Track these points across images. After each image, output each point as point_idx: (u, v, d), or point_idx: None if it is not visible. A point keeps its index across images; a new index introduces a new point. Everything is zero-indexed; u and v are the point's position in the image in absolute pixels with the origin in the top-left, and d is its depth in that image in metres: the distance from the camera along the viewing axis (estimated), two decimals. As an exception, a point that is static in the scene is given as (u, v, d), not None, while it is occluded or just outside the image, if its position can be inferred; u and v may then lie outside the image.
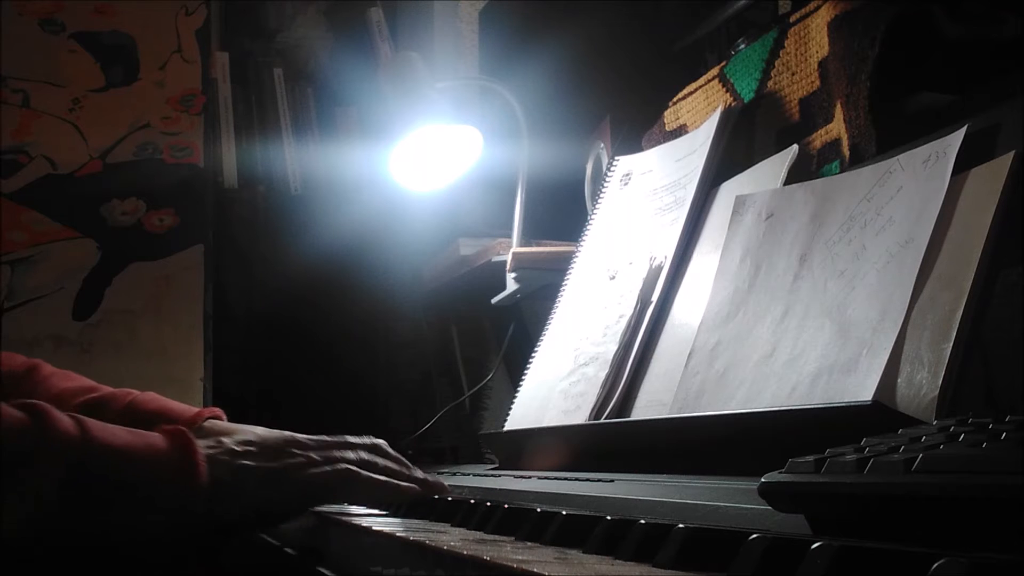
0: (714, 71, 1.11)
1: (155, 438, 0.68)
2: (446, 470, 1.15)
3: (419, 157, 1.61)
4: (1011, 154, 0.67)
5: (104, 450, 0.65)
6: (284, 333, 1.89)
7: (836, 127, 0.92)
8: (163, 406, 0.93)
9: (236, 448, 0.71)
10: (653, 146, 1.19)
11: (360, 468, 0.73)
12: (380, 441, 0.79)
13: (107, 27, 1.84)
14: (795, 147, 0.94)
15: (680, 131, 1.16)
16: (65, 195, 1.77)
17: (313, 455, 0.73)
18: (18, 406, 0.64)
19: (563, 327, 1.15)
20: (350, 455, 0.75)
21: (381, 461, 0.75)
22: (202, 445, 0.69)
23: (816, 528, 0.43)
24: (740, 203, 0.93)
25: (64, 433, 0.63)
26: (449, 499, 0.71)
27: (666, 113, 1.20)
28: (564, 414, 1.04)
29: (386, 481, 0.72)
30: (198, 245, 1.79)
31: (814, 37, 0.96)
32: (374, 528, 0.55)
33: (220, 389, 1.73)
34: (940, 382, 0.63)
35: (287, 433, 0.75)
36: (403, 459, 0.79)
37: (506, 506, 0.55)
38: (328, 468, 0.72)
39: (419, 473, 0.78)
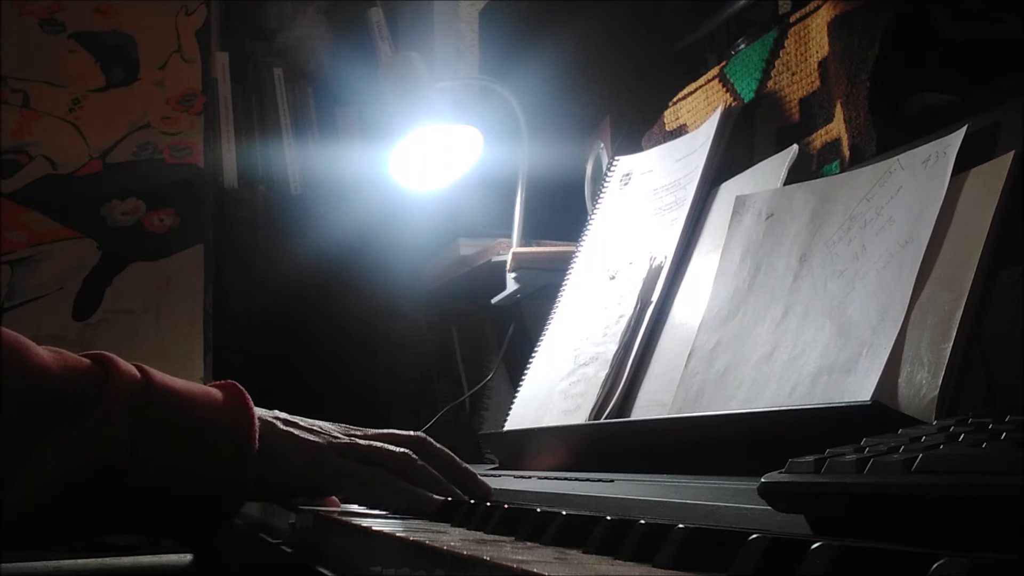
0: (714, 71, 1.11)
1: (210, 389, 0.71)
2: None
3: (419, 157, 1.61)
4: (1011, 154, 0.67)
5: (165, 393, 0.68)
6: (284, 333, 1.89)
7: (836, 127, 0.92)
8: None
9: (286, 418, 0.74)
10: (653, 146, 1.19)
11: (397, 469, 0.73)
12: (423, 436, 0.78)
13: (107, 27, 1.84)
14: (795, 147, 0.94)
15: (680, 131, 1.16)
16: (65, 195, 1.77)
17: (358, 443, 0.74)
18: (85, 355, 0.68)
19: (563, 327, 1.15)
20: (391, 452, 0.75)
21: (419, 463, 0.74)
22: (255, 407, 0.71)
23: (816, 528, 0.43)
24: (740, 203, 0.93)
25: (128, 375, 0.67)
26: (448, 499, 0.71)
27: (666, 113, 1.20)
28: (564, 414, 1.05)
29: (414, 493, 0.72)
30: (198, 245, 1.79)
31: (814, 37, 0.96)
32: (374, 528, 0.55)
33: (220, 389, 1.73)
34: (940, 382, 0.63)
35: (327, 423, 0.77)
36: (448, 455, 0.78)
37: (506, 506, 0.55)
38: (363, 466, 0.72)
39: (463, 470, 0.77)
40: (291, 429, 0.72)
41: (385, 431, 0.79)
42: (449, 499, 0.71)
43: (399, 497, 0.71)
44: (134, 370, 0.68)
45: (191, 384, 0.71)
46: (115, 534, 0.72)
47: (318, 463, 0.72)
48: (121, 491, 0.65)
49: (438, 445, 0.78)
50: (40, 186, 1.76)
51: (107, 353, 0.68)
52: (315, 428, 0.75)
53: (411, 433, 0.78)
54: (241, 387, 0.72)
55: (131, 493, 0.66)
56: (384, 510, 0.75)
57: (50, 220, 1.76)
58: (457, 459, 0.78)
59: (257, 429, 0.70)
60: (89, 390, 0.65)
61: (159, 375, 0.69)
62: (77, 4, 1.82)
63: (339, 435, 0.75)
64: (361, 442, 0.75)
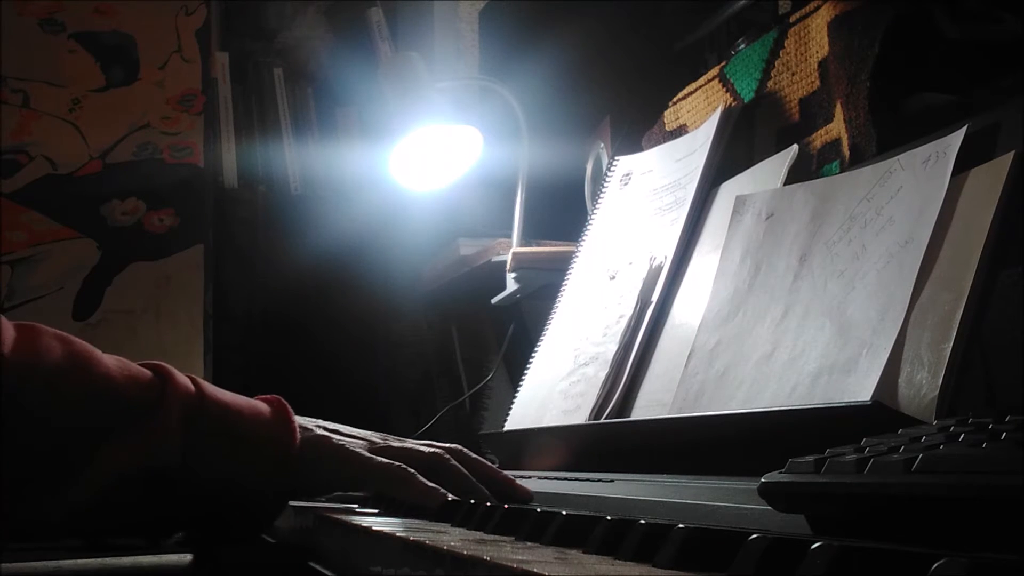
0: (714, 71, 1.11)
1: (257, 402, 0.76)
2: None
3: (419, 157, 1.61)
4: (1011, 154, 0.67)
5: (216, 405, 0.72)
6: (284, 333, 1.89)
7: (836, 127, 0.92)
8: None
9: (326, 426, 0.79)
10: (653, 146, 1.19)
11: (426, 467, 0.76)
12: (459, 447, 0.81)
13: (107, 27, 1.84)
14: (795, 147, 0.94)
15: (680, 131, 1.16)
16: (65, 195, 1.77)
17: (391, 444, 0.79)
18: (144, 365, 0.72)
19: (563, 327, 1.15)
20: (421, 451, 0.78)
21: (454, 466, 0.77)
22: (296, 418, 0.76)
23: (816, 528, 0.43)
24: (740, 203, 0.93)
25: (183, 388, 0.71)
26: (448, 499, 0.71)
27: (666, 113, 1.20)
28: (564, 414, 1.05)
29: (428, 487, 0.74)
30: (198, 245, 1.79)
31: (814, 37, 0.96)
32: (374, 528, 0.55)
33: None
34: (940, 382, 0.63)
35: (370, 431, 0.82)
36: (484, 462, 0.80)
37: (506, 506, 0.55)
38: (387, 461, 0.76)
39: (501, 476, 0.79)
40: (328, 437, 0.77)
41: (425, 442, 0.82)
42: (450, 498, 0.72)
43: (410, 490, 0.74)
44: (189, 383, 0.72)
45: (239, 397, 0.75)
46: (169, 533, 0.77)
47: (350, 463, 0.75)
48: (172, 495, 0.70)
49: (474, 455, 0.81)
50: (40, 186, 1.76)
51: (165, 364, 0.73)
52: (354, 435, 0.79)
53: (449, 445, 0.81)
54: (284, 401, 0.77)
55: (181, 497, 0.70)
56: (388, 505, 0.76)
57: (50, 220, 1.76)
58: (493, 467, 0.81)
59: (298, 440, 0.74)
60: (148, 400, 0.69)
61: (210, 388, 0.73)
62: (77, 4, 1.82)
63: (376, 440, 0.80)
64: (395, 444, 0.79)
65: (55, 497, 0.66)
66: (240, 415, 0.73)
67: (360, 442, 0.78)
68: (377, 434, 0.81)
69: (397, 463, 0.75)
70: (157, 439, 0.68)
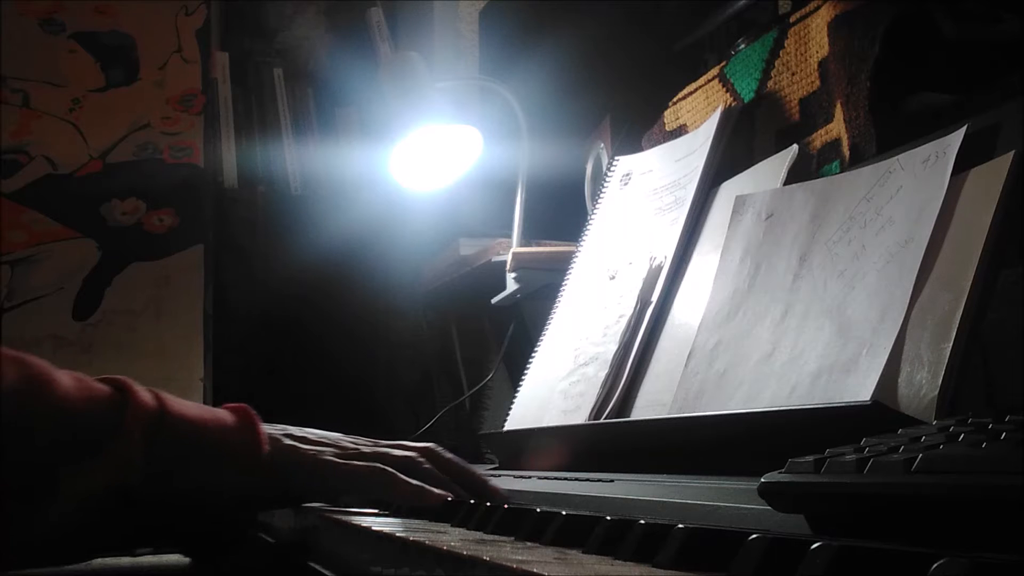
0: (714, 71, 1.11)
1: (222, 413, 0.74)
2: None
3: (419, 157, 1.61)
4: (1011, 154, 0.67)
5: (179, 420, 0.70)
6: (284, 333, 1.89)
7: (836, 127, 0.92)
8: None
9: (293, 434, 0.76)
10: (653, 146, 1.19)
11: (400, 470, 0.75)
12: (432, 445, 0.80)
13: (107, 27, 1.84)
14: (795, 147, 0.94)
15: (680, 131, 1.16)
16: (65, 195, 1.77)
17: (362, 449, 0.77)
18: (104, 380, 0.70)
19: (563, 327, 1.15)
20: (394, 454, 0.77)
21: (426, 465, 0.77)
22: (264, 427, 0.74)
23: (816, 528, 0.43)
24: (740, 203, 0.93)
25: (145, 404, 0.69)
26: (449, 499, 0.71)
27: (666, 113, 1.20)
28: (564, 414, 1.05)
29: (417, 486, 0.73)
30: (198, 245, 1.79)
31: (814, 37, 0.96)
32: (374, 528, 0.55)
33: (220, 389, 1.73)
34: (940, 382, 0.63)
35: (338, 434, 0.80)
36: (458, 462, 0.79)
37: (506, 506, 0.55)
38: (365, 464, 0.75)
39: (475, 476, 0.78)
40: (297, 444, 0.75)
41: (396, 442, 0.80)
42: (451, 499, 0.71)
43: (397, 491, 0.73)
44: (150, 398, 0.70)
45: (205, 409, 0.74)
46: (137, 549, 0.76)
47: (322, 470, 0.74)
48: (139, 513, 0.68)
49: (448, 454, 0.80)
50: (40, 186, 1.76)
51: (124, 379, 0.71)
52: (323, 440, 0.77)
53: (421, 444, 0.80)
54: (251, 409, 0.75)
55: (148, 515, 0.69)
56: (385, 507, 0.76)
57: (50, 220, 1.76)
58: (468, 466, 0.80)
59: (266, 448, 0.72)
60: (109, 420, 0.68)
61: (173, 402, 0.71)
62: (77, 4, 1.82)
63: (347, 444, 0.78)
64: (365, 448, 0.77)
65: (21, 524, 0.65)
66: (205, 428, 0.71)
67: (331, 449, 0.76)
68: (347, 437, 0.79)
69: (374, 465, 0.74)
70: (120, 460, 0.67)
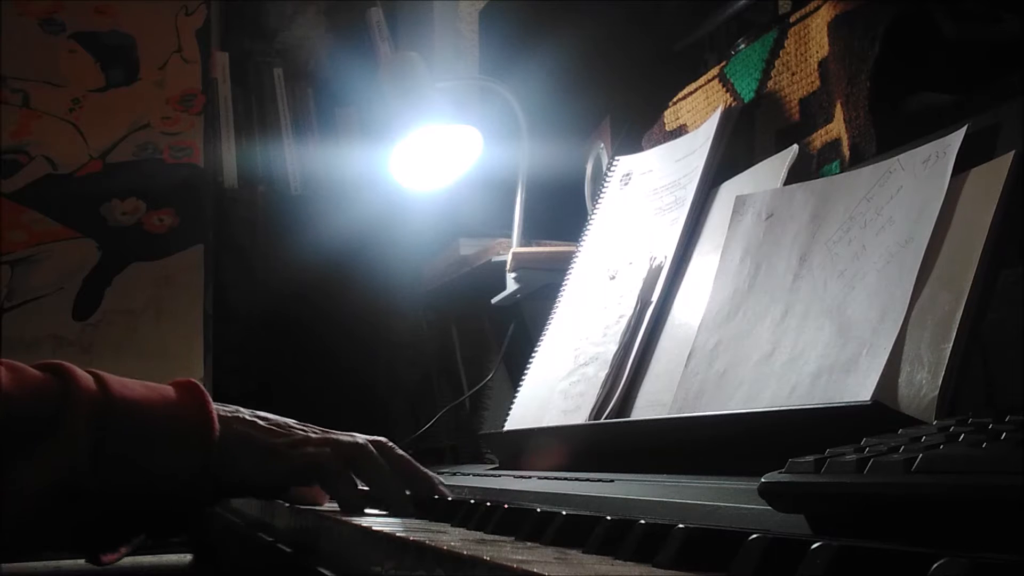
0: (714, 71, 1.11)
1: (167, 390, 0.71)
2: (446, 470, 1.15)
3: (419, 157, 1.61)
4: (1011, 154, 0.67)
5: (123, 403, 0.68)
6: (284, 333, 1.89)
7: (836, 127, 0.92)
8: None
9: (244, 417, 0.75)
10: (653, 146, 1.19)
11: (349, 459, 0.74)
12: (383, 440, 0.79)
13: (107, 27, 1.84)
14: (795, 147, 0.94)
15: (680, 131, 1.16)
16: (65, 195, 1.77)
17: (310, 436, 0.75)
18: (40, 367, 0.68)
19: (563, 327, 1.15)
20: (344, 441, 0.75)
21: (374, 459, 0.75)
22: (214, 405, 0.72)
23: (816, 528, 0.43)
24: (740, 203, 0.93)
25: (87, 389, 0.67)
26: (449, 499, 0.71)
27: (666, 113, 1.20)
28: (564, 414, 1.05)
29: (353, 482, 0.73)
30: (198, 245, 1.79)
31: (814, 37, 0.96)
32: (374, 528, 0.55)
33: (220, 389, 1.73)
34: (940, 382, 0.63)
35: (291, 420, 0.78)
36: (407, 459, 0.78)
37: (506, 506, 0.55)
38: (313, 450, 0.74)
39: (421, 473, 0.77)
40: (248, 429, 0.73)
41: (347, 433, 0.79)
42: (435, 497, 0.72)
43: (337, 484, 0.72)
44: (91, 382, 0.68)
45: (149, 388, 0.71)
46: (92, 540, 0.73)
47: (272, 455, 0.73)
48: (90, 502, 0.66)
49: (400, 451, 0.78)
50: (40, 186, 1.76)
51: (63, 364, 0.68)
52: (274, 427, 0.76)
53: (373, 438, 0.79)
54: (200, 385, 0.73)
55: (100, 502, 0.67)
56: (330, 495, 0.76)
57: (50, 220, 1.75)
58: (417, 464, 0.78)
59: (217, 428, 0.70)
60: (50, 412, 0.66)
61: (115, 383, 0.69)
62: (77, 4, 1.82)
63: (298, 430, 0.76)
64: (314, 436, 0.76)
65: None
66: (152, 409, 0.69)
67: (282, 434, 0.75)
68: (299, 424, 0.78)
69: (321, 452, 0.73)
70: (65, 452, 0.65)
